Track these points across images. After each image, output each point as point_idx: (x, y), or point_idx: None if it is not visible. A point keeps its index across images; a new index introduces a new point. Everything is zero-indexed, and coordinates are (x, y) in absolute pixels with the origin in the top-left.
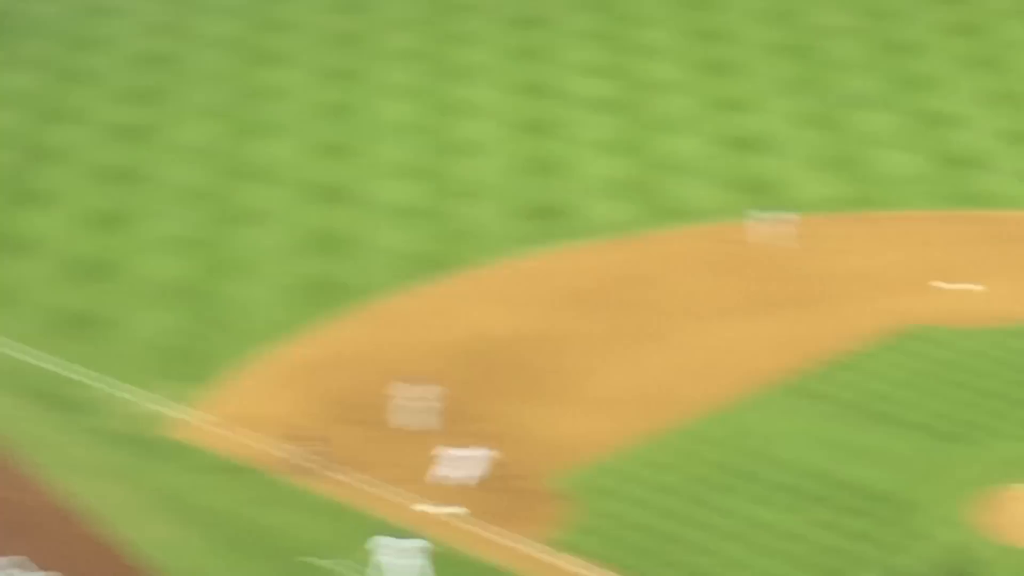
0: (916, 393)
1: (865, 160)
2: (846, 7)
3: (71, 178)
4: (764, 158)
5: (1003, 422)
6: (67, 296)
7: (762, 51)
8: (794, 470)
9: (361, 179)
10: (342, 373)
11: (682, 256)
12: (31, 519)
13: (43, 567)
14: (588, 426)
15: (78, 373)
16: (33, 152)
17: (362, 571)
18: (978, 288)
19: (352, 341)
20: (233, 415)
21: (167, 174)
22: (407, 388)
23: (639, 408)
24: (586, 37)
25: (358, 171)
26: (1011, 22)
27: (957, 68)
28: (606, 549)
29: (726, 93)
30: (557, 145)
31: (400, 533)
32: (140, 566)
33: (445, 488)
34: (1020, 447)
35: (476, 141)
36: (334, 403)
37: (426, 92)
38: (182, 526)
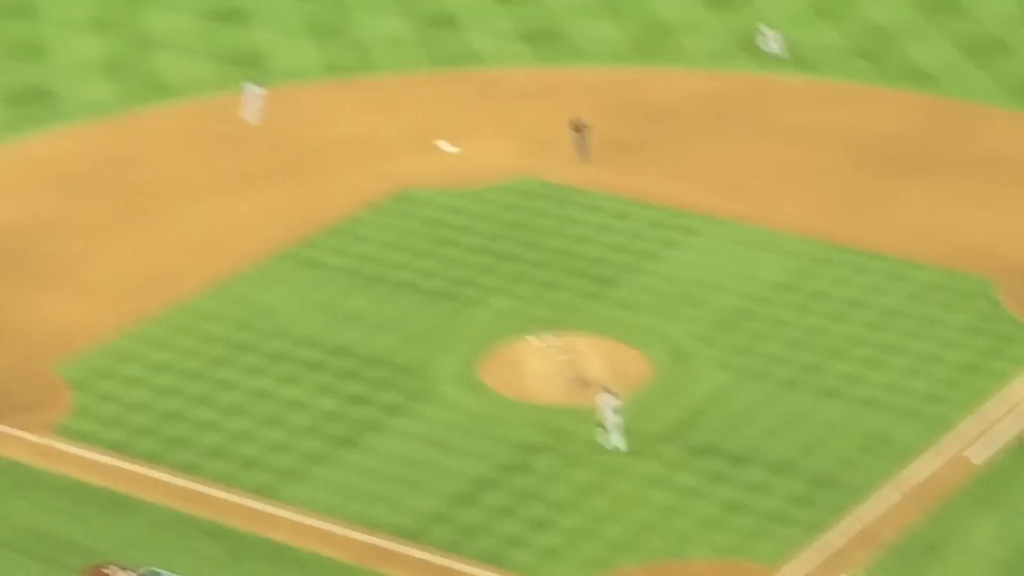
0: (409, 255)
1: (349, 25)
2: None
3: None
4: (249, 29)
5: (496, 277)
6: None
7: None
8: (292, 339)
9: None
10: None
11: (172, 134)
12: None
13: None
14: (87, 311)
15: None
16: None
17: None
18: (461, 147)
19: None
20: None
21: None
22: None
23: (138, 289)
24: None
25: None
26: None
27: None
28: (112, 433)
29: None
30: (36, 26)
31: None
32: None
33: None
34: (514, 301)
35: None
36: None
37: None
38: None
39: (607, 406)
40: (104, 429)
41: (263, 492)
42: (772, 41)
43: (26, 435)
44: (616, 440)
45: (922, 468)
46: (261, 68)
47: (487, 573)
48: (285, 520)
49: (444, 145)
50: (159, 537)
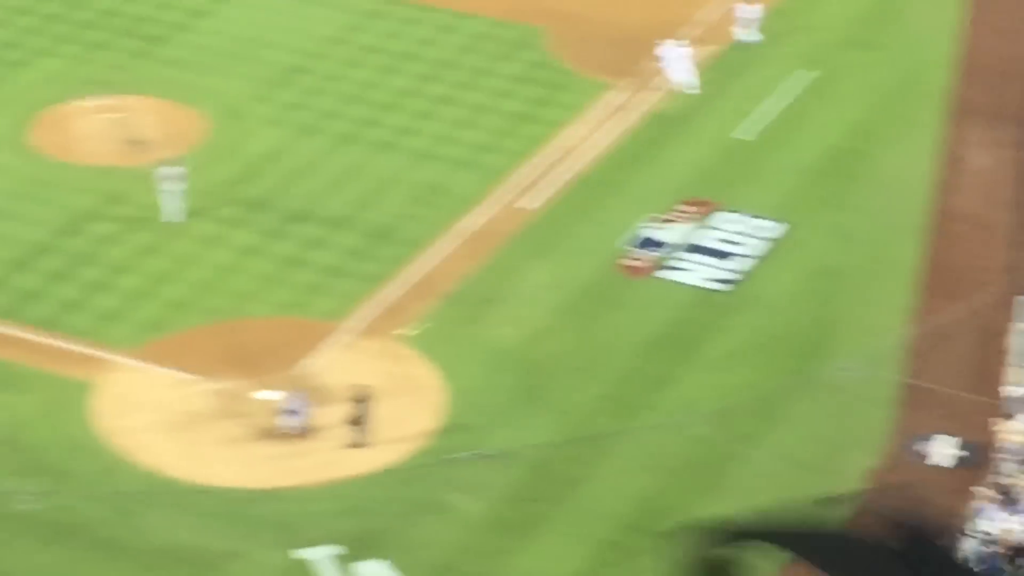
0: None
1: None
2: None
3: None
4: None
5: (42, 39)
6: None
7: None
8: None
9: None
10: None
11: None
12: None
13: None
14: None
15: None
16: None
17: None
18: None
19: None
20: None
21: None
22: None
23: None
24: None
25: None
26: None
27: None
28: None
29: None
30: None
31: None
32: None
33: None
34: (62, 62)
35: None
36: None
37: None
38: None
39: (168, 177)
40: None
41: None
42: None
43: None
44: (174, 212)
45: (478, 217)
46: None
47: (44, 338)
48: None
49: None
50: None
